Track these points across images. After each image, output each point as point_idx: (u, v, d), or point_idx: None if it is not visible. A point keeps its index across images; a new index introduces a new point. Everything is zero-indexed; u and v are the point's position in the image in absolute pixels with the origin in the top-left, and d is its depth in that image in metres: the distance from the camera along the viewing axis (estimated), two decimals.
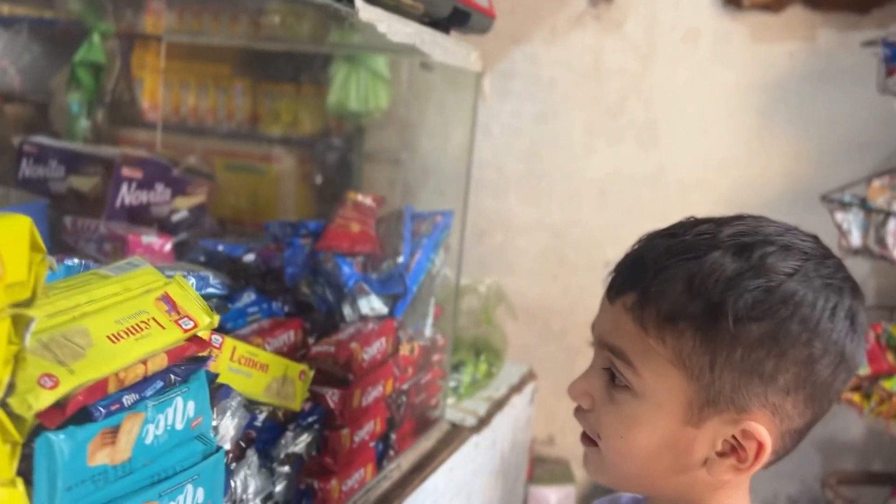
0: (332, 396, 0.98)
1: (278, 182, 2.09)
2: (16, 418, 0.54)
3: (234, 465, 0.81)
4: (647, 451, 0.69)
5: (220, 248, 1.16)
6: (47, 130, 1.89)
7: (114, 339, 0.64)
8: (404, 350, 1.15)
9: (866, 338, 1.51)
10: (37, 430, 0.57)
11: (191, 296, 0.74)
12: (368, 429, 1.06)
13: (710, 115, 2.07)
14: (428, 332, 1.24)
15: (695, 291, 0.64)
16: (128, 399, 0.64)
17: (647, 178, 2.13)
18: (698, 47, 2.05)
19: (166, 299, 0.71)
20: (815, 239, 0.69)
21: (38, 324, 0.58)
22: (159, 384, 0.67)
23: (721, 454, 0.67)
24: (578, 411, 0.73)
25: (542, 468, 2.21)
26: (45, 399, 0.56)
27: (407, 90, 2.16)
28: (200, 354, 0.72)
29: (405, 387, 1.17)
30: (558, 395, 2.04)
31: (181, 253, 1.21)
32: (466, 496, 1.29)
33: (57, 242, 1.18)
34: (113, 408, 0.62)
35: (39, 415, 0.56)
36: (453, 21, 1.14)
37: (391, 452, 1.16)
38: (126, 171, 1.21)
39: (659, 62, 2.09)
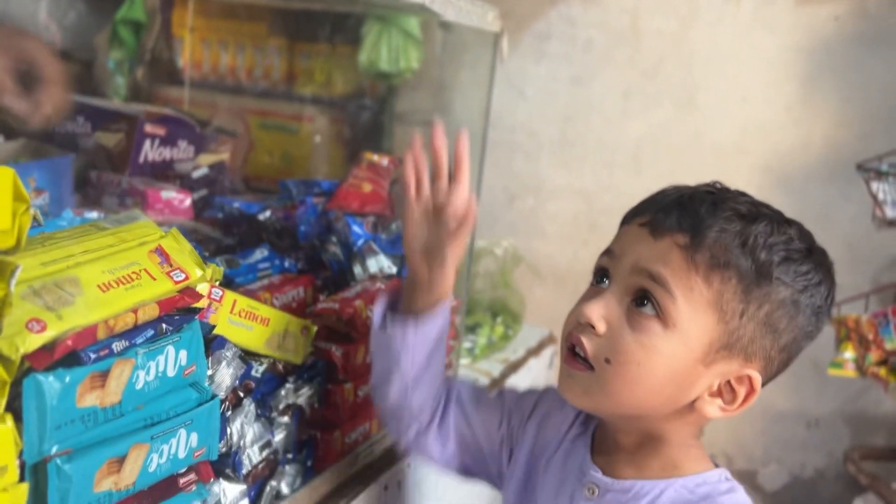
0: (335, 351, 1.00)
1: (310, 141, 2.11)
2: (4, 359, 0.58)
3: (230, 413, 0.84)
4: (657, 382, 0.73)
5: (236, 205, 1.19)
6: (90, 87, 1.94)
7: (104, 287, 0.67)
8: None
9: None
10: (27, 372, 0.61)
11: (185, 249, 0.76)
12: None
13: (751, 79, 2.01)
14: None
15: (748, 249, 0.71)
16: (117, 345, 0.67)
17: (683, 143, 2.09)
18: (740, 9, 1.99)
19: (160, 252, 0.74)
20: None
21: (31, 272, 0.61)
22: (150, 333, 0.70)
23: (712, 394, 0.74)
24: (579, 335, 0.75)
25: None
26: (33, 342, 0.59)
27: (439, 51, 2.15)
28: (193, 306, 0.75)
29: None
30: None
31: (200, 209, 1.25)
32: None
33: (83, 196, 1.23)
34: (102, 353, 0.66)
35: (27, 357, 0.59)
36: None
37: None
38: (149, 128, 1.25)
39: (699, 24, 2.03)
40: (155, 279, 0.71)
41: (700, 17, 2.02)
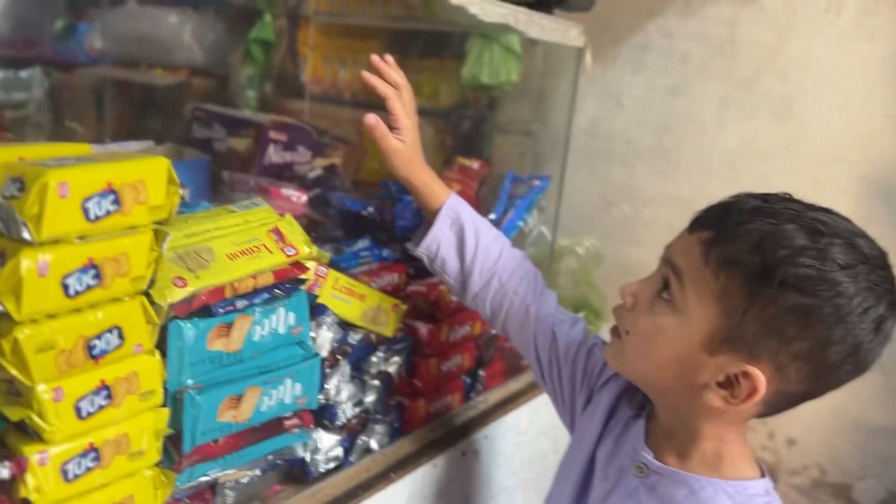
0: (421, 328, 1.14)
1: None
2: (155, 306, 0.75)
3: (328, 371, 0.99)
4: (662, 359, 0.81)
5: (345, 202, 1.35)
6: (225, 99, 2.19)
7: (231, 257, 0.83)
8: None
9: None
10: (171, 318, 0.78)
11: (297, 231, 0.93)
12: (456, 361, 1.22)
13: (851, 88, 2.01)
14: None
15: (760, 249, 0.74)
16: (240, 304, 0.84)
17: (779, 152, 2.11)
18: (840, 18, 1.99)
19: (276, 231, 0.90)
20: (882, 252, 0.77)
21: (175, 241, 0.79)
22: (266, 296, 0.87)
23: (719, 384, 0.78)
24: (617, 308, 0.85)
25: None
26: (177, 294, 0.77)
27: (539, 64, 2.27)
28: (301, 276, 0.91)
29: (494, 331, 1.32)
30: None
31: (314, 205, 1.42)
32: (553, 438, 1.42)
33: (216, 192, 1.43)
34: (228, 308, 0.82)
35: (172, 306, 0.77)
36: (552, 2, 1.25)
37: (479, 387, 1.31)
38: (273, 134, 1.43)
39: (797, 34, 2.05)
40: (271, 252, 0.88)
41: (798, 27, 2.04)
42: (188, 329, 0.78)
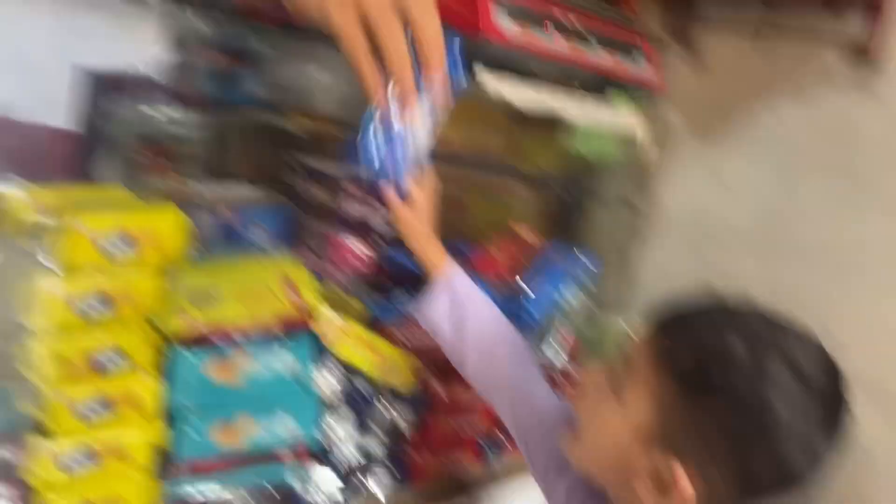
0: (436, 385, 1.21)
1: (514, 212, 2.35)
2: (160, 332, 0.88)
3: (329, 412, 1.08)
4: (602, 446, 0.83)
5: (403, 261, 1.45)
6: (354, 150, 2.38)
7: (238, 298, 0.95)
8: None
9: None
10: (174, 345, 0.91)
11: (310, 286, 1.03)
12: (471, 422, 1.27)
13: None
14: (551, 356, 1.40)
15: (697, 354, 0.76)
16: (241, 340, 0.95)
17: (892, 254, 1.99)
18: None
19: (290, 283, 1.01)
20: (829, 371, 0.75)
21: (188, 278, 0.92)
22: (266, 337, 0.98)
23: (652, 479, 0.78)
24: (572, 393, 0.89)
25: None
26: (180, 326, 0.89)
27: (649, 141, 2.29)
28: (306, 325, 1.01)
29: None
30: None
31: (377, 258, 1.53)
32: None
33: (295, 237, 1.57)
34: (227, 343, 0.94)
35: (174, 335, 0.89)
36: (604, 89, 1.30)
37: (498, 452, 1.34)
38: (349, 189, 1.57)
39: None
40: (278, 300, 0.99)
41: None
42: (188, 357, 0.91)
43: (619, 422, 0.81)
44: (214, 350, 0.93)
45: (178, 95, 2.56)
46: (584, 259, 1.41)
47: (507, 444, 1.36)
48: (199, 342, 0.92)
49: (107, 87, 2.32)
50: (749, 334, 0.75)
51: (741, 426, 0.73)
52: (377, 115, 0.81)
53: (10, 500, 0.81)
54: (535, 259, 1.40)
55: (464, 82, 0.88)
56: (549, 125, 2.38)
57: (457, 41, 0.85)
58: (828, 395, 0.74)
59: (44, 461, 0.82)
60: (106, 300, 0.81)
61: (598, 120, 1.29)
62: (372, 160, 0.86)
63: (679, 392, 0.76)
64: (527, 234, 1.46)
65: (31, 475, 0.81)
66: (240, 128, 2.48)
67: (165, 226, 0.84)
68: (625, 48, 1.32)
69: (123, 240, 0.81)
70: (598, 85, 1.32)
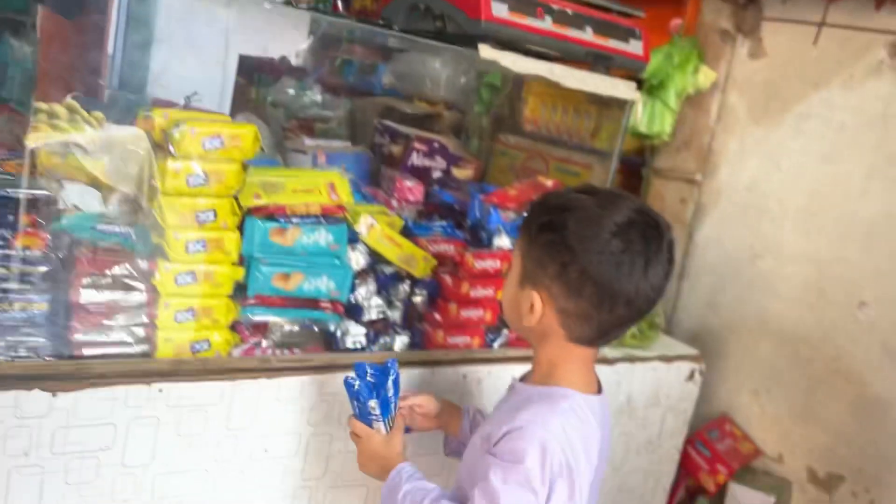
0: (446, 278, 1.64)
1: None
2: (240, 206, 1.38)
3: (358, 281, 1.54)
4: (506, 299, 1.21)
5: (444, 196, 1.89)
6: (464, 130, 2.85)
7: (294, 191, 1.44)
8: None
9: None
10: (249, 215, 1.40)
11: (346, 188, 1.50)
12: (476, 313, 1.68)
13: None
14: None
15: (531, 213, 1.16)
16: (295, 219, 1.43)
17: None
18: None
19: (331, 185, 1.48)
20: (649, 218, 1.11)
21: (262, 175, 1.41)
22: (313, 220, 1.45)
23: (529, 310, 1.15)
24: None
25: (762, 478, 2.39)
26: (253, 202, 1.39)
27: (711, 120, 2.57)
28: (340, 215, 1.48)
29: None
30: (794, 418, 2.28)
31: (430, 196, 1.96)
32: None
33: (374, 180, 2.05)
34: (285, 219, 1.42)
35: (250, 209, 1.39)
36: (600, 62, 1.65)
37: (502, 342, 1.74)
38: (416, 145, 2.02)
39: None
40: (322, 195, 1.46)
41: None
42: (258, 223, 1.40)
43: (511, 279, 1.19)
44: (275, 222, 1.42)
45: (322, 82, 3.16)
46: None
47: (511, 337, 1.76)
48: (266, 215, 1.41)
49: (264, 71, 2.94)
50: (560, 194, 1.14)
51: (556, 245, 1.08)
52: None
53: (144, 296, 1.34)
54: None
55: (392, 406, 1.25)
56: (619, 106, 2.71)
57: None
58: (627, 224, 1.07)
59: (165, 275, 1.34)
60: (205, 176, 1.31)
61: (586, 83, 1.64)
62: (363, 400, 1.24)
63: (525, 241, 1.14)
64: (548, 182, 1.84)
65: (158, 283, 1.34)
66: (369, 109, 3.02)
67: (244, 133, 1.34)
68: (617, 30, 1.67)
69: (216, 139, 1.31)
70: (597, 59, 1.68)
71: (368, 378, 1.25)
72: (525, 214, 1.18)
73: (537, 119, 3.04)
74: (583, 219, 1.08)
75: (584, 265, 1.07)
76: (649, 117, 2.47)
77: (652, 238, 1.08)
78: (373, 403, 1.22)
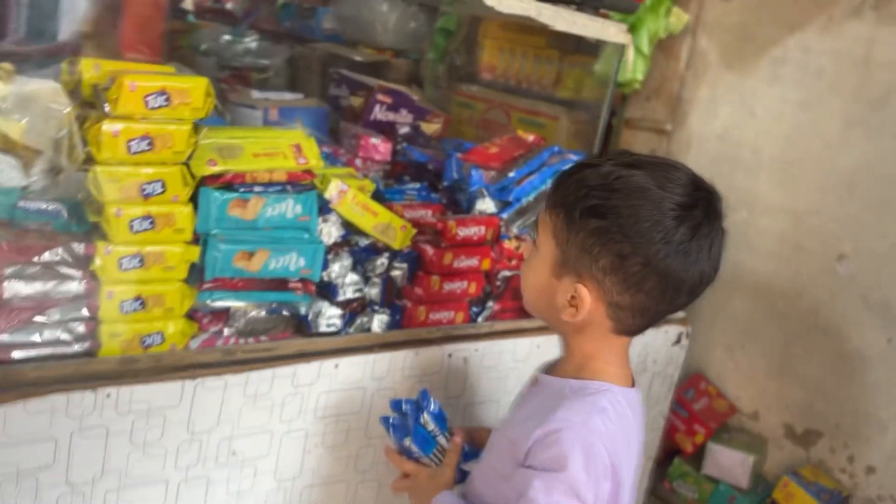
0: (427, 249, 1.46)
1: (553, 137, 2.54)
2: (192, 175, 1.16)
3: (331, 257, 1.35)
4: (533, 288, 1.06)
5: (414, 155, 1.70)
6: (416, 79, 2.64)
7: (255, 155, 1.23)
8: (510, 244, 1.56)
9: None
10: (202, 185, 1.19)
11: (314, 149, 1.30)
12: (460, 285, 1.52)
13: None
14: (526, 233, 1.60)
15: (568, 193, 0.99)
16: (257, 188, 1.23)
17: None
18: None
19: (297, 146, 1.28)
20: (683, 178, 0.96)
21: (217, 137, 1.20)
22: (278, 188, 1.25)
23: (569, 303, 1.00)
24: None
25: (739, 436, 2.34)
26: (207, 170, 1.18)
27: (681, 68, 2.43)
28: (308, 181, 1.28)
29: (509, 273, 1.58)
30: (770, 375, 2.20)
31: (400, 155, 1.77)
32: None
33: (333, 136, 1.84)
34: (245, 189, 1.22)
35: (204, 178, 1.18)
36: (589, 2, 1.48)
37: (487, 315, 1.59)
38: (380, 96, 1.82)
39: None
40: (287, 158, 1.26)
41: None
42: (214, 195, 1.19)
43: (538, 265, 1.03)
44: (235, 192, 1.21)
45: (256, 27, 2.88)
46: (573, 158, 1.60)
47: (496, 310, 1.60)
48: (224, 184, 1.20)
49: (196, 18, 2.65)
50: (603, 170, 0.96)
51: (608, 231, 0.93)
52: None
53: (82, 285, 1.12)
54: (529, 157, 1.61)
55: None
56: (588, 51, 2.54)
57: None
58: (690, 204, 0.93)
59: (106, 259, 1.12)
60: (149, 141, 1.10)
61: (575, 25, 1.48)
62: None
63: (566, 224, 0.97)
64: (528, 137, 1.67)
65: (98, 269, 1.12)
66: (311, 57, 2.77)
67: (194, 87, 1.12)
68: None
69: (161, 95, 1.09)
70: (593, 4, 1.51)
71: (403, 413, 1.19)
72: (555, 190, 1.01)
73: (495, 66, 2.85)
74: (639, 203, 0.93)
75: (647, 257, 0.93)
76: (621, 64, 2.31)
77: (714, 215, 0.97)
78: (407, 442, 1.16)
